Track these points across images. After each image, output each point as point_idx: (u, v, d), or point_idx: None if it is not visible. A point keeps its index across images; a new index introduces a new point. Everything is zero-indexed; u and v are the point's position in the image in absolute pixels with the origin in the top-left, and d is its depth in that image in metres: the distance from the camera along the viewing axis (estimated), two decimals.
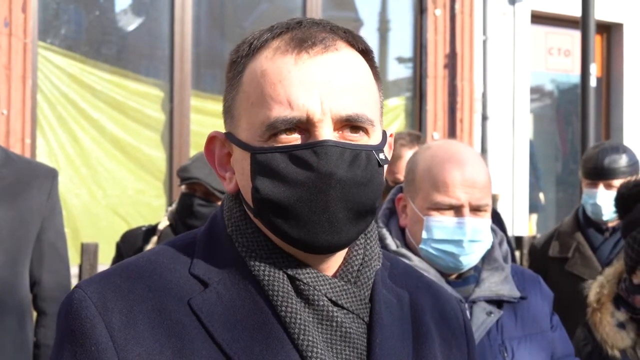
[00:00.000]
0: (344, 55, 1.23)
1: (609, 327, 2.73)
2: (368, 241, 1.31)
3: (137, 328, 1.17)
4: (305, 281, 1.22)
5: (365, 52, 1.27)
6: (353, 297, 1.25)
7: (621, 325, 2.74)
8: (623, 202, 2.89)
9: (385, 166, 1.26)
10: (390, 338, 1.26)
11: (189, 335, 1.18)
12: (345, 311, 1.24)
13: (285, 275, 1.22)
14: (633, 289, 2.76)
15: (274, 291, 1.21)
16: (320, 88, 1.19)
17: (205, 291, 1.21)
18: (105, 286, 1.20)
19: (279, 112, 1.18)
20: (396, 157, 3.96)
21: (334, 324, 1.22)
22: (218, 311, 1.20)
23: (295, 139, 1.19)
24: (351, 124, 1.20)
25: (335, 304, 1.23)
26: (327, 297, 1.23)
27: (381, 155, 1.23)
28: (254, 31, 1.27)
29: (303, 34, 1.22)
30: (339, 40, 1.24)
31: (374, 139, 1.24)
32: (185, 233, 1.35)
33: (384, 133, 1.28)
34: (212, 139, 1.31)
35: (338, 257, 1.27)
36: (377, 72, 1.29)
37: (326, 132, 1.19)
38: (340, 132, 1.21)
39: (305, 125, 1.19)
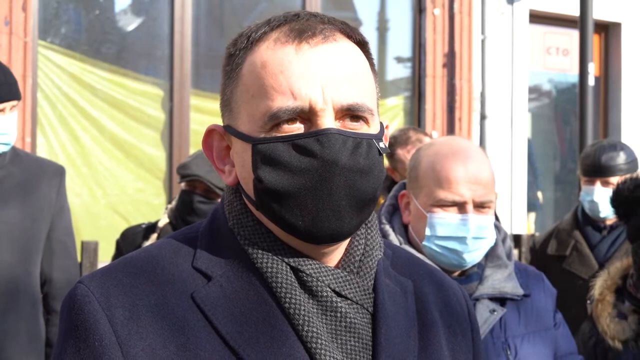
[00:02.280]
0: (343, 45, 1.24)
1: (610, 319, 2.69)
2: (369, 231, 1.31)
3: (141, 323, 1.17)
4: (308, 272, 1.22)
5: (362, 44, 1.28)
6: (356, 288, 1.25)
7: (622, 316, 2.70)
8: (625, 204, 2.78)
9: (384, 155, 1.26)
10: (395, 328, 1.26)
11: (192, 329, 1.18)
12: (349, 302, 1.24)
13: (288, 267, 1.23)
14: None
15: (278, 283, 1.21)
16: (321, 78, 1.20)
17: (208, 284, 1.21)
18: (108, 281, 1.20)
19: (282, 102, 1.19)
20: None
21: (338, 314, 1.22)
22: (222, 304, 1.20)
23: (297, 128, 1.20)
24: (352, 113, 1.22)
25: (338, 294, 1.23)
26: (330, 288, 1.23)
27: (381, 144, 1.24)
28: (250, 25, 1.28)
29: (301, 26, 1.23)
30: (337, 31, 1.25)
31: (373, 129, 1.25)
32: (186, 227, 1.35)
33: (381, 124, 1.29)
34: (210, 132, 1.31)
35: (340, 248, 1.27)
36: (373, 64, 1.30)
37: (328, 121, 1.20)
38: (341, 121, 1.21)
39: (307, 115, 1.20)
